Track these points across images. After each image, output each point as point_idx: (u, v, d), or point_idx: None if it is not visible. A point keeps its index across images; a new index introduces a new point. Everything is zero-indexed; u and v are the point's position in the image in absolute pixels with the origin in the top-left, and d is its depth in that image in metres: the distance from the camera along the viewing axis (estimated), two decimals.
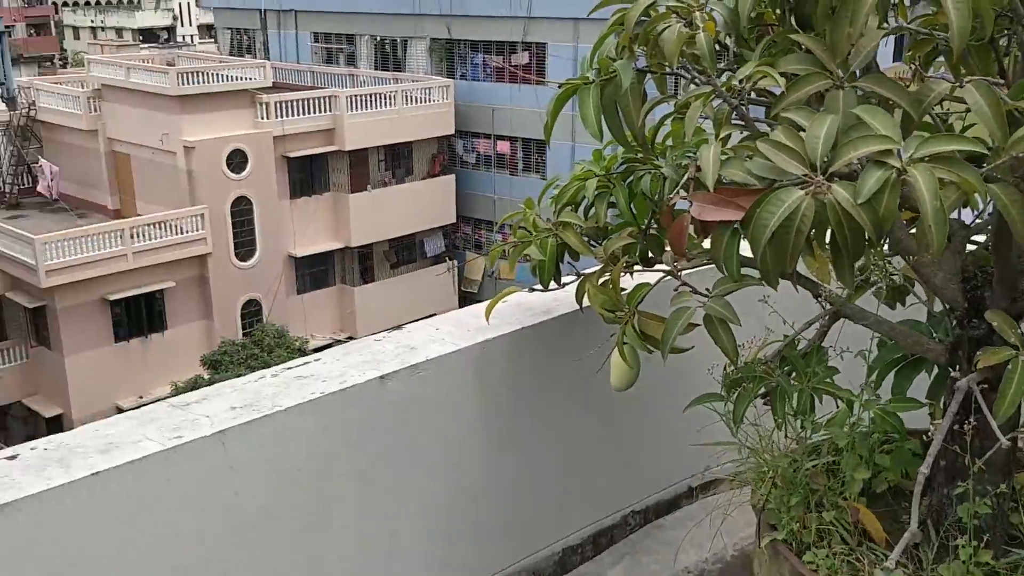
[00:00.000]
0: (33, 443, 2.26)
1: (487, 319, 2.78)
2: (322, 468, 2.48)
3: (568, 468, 3.10)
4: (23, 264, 26.49)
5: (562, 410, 3.02)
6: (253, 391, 2.48)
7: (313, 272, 33.11)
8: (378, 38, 39.47)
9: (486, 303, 2.81)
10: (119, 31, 77.46)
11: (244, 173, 29.76)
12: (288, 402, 2.42)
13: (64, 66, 68.72)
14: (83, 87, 32.75)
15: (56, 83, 35.41)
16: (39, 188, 33.10)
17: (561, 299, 2.88)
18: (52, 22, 76.31)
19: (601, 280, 2.49)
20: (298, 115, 31.27)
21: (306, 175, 32.25)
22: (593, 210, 2.59)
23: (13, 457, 2.18)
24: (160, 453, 2.20)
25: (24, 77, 43.85)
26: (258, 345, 27.23)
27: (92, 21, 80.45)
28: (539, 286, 2.68)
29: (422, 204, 34.42)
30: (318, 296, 33.16)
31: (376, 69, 38.50)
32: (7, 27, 59.15)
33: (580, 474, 3.14)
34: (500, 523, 2.95)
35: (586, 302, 2.55)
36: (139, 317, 28.43)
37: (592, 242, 2.62)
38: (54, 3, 78.82)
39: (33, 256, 25.86)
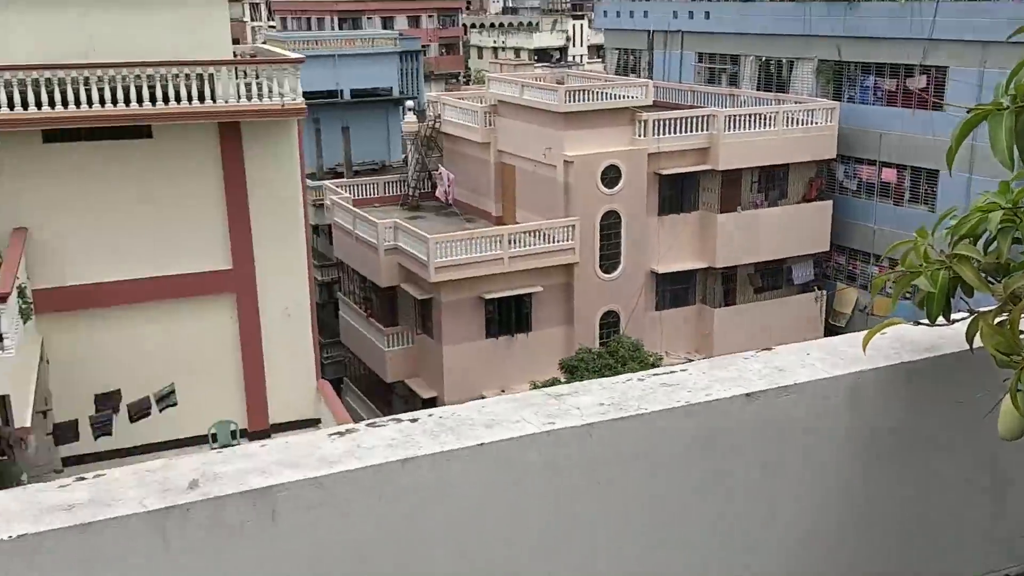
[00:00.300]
0: (431, 411, 2.56)
1: (863, 349, 2.69)
2: (681, 472, 2.55)
3: (936, 516, 2.89)
4: (417, 260, 29.54)
5: (937, 454, 2.84)
6: (620, 391, 2.60)
7: (674, 289, 33.38)
8: (763, 59, 38.95)
9: (863, 332, 2.71)
10: (517, 51, 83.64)
11: (616, 188, 30.79)
12: (654, 406, 2.51)
13: (467, 83, 75.53)
14: (481, 102, 35.72)
15: (459, 98, 39.03)
16: (437, 193, 36.71)
17: (947, 337, 2.70)
18: (461, 42, 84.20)
19: (997, 320, 2.31)
20: (674, 133, 31.71)
21: (675, 192, 32.61)
22: (995, 244, 2.41)
23: (415, 420, 2.49)
24: (535, 435, 2.39)
25: (433, 92, 48.82)
26: (612, 356, 28.00)
27: (495, 42, 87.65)
28: (925, 320, 2.54)
29: (794, 229, 33.36)
30: (676, 314, 33.37)
31: (758, 89, 38.01)
32: (423, 46, 66.25)
33: (949, 525, 2.92)
34: (857, 558, 2.83)
35: (977, 342, 2.38)
36: (508, 317, 30.49)
37: (990, 278, 2.44)
38: (464, 25, 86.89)
39: (426, 253, 28.76)
